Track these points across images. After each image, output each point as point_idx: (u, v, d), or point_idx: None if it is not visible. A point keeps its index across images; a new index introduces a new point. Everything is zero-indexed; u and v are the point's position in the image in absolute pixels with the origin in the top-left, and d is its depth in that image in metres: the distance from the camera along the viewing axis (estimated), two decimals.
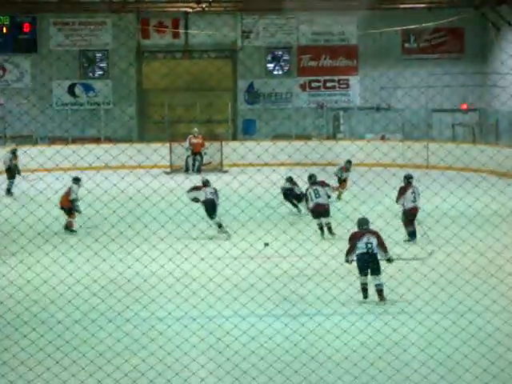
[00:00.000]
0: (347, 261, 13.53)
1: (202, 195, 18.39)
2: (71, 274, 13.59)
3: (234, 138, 34.54)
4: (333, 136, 34.64)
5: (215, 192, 18.71)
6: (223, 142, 31.13)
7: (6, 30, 35.05)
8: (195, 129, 30.95)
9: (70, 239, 16.53)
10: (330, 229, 18.08)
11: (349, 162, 23.40)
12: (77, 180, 19.23)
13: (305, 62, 36.44)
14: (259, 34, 36.02)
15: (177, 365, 10.40)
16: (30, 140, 32.91)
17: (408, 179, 17.92)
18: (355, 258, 13.42)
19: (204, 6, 32.24)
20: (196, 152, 30.51)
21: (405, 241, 17.35)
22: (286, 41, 36.28)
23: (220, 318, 12.23)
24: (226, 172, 29.31)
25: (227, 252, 14.58)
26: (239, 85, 36.23)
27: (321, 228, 18.20)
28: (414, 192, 17.64)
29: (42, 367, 10.32)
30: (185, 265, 13.82)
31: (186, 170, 30.18)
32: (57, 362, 10.46)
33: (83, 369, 10.33)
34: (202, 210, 17.77)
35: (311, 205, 18.26)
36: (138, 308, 12.67)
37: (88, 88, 35.81)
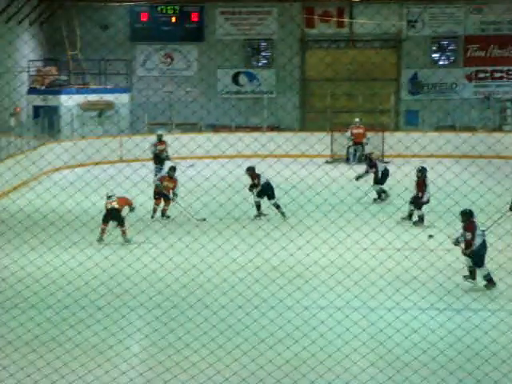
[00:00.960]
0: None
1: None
2: (235, 260, 13.77)
3: (397, 129, 34.10)
4: (499, 128, 33.67)
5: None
6: (386, 133, 30.79)
7: (175, 19, 35.92)
8: (357, 119, 30.74)
9: (234, 225, 16.72)
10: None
11: None
12: (171, 169, 19.69)
13: (472, 52, 35.58)
14: (425, 23, 35.43)
15: (338, 354, 10.38)
16: (195, 127, 33.59)
17: None
18: (476, 248, 13.36)
19: None
20: (357, 142, 30.31)
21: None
22: (453, 30, 35.53)
23: (382, 309, 12.10)
24: (387, 163, 28.91)
25: (390, 243, 14.44)
26: (403, 75, 35.78)
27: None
28: None
29: (205, 350, 10.52)
30: (347, 254, 13.76)
31: (347, 160, 30.04)
32: (220, 346, 10.63)
33: (245, 353, 10.42)
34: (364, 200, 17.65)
35: (427, 197, 18.32)
36: (300, 296, 12.71)
37: (252, 77, 36.24)
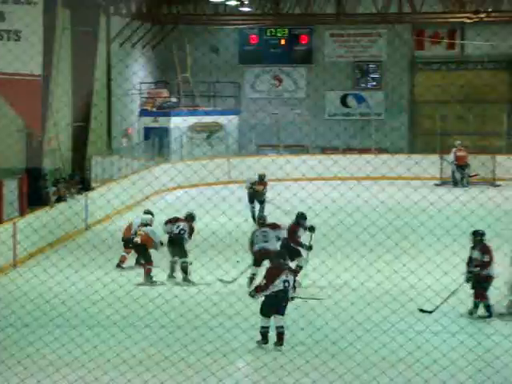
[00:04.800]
0: None
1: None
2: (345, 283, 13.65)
3: (510, 151, 33.35)
4: None
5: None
6: (498, 156, 30.23)
7: (284, 41, 36.10)
8: (458, 141, 30.36)
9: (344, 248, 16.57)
10: None
11: None
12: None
13: None
14: None
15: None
16: (302, 149, 33.58)
17: None
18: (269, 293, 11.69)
19: (483, 16, 31.31)
20: (461, 165, 29.83)
21: None
22: None
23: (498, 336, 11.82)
24: (498, 186, 28.48)
25: None
26: None
27: None
28: None
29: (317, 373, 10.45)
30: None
31: (455, 184, 29.51)
32: (331, 370, 10.54)
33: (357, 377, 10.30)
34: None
35: None
36: (413, 321, 12.54)
37: (360, 99, 36.08)
